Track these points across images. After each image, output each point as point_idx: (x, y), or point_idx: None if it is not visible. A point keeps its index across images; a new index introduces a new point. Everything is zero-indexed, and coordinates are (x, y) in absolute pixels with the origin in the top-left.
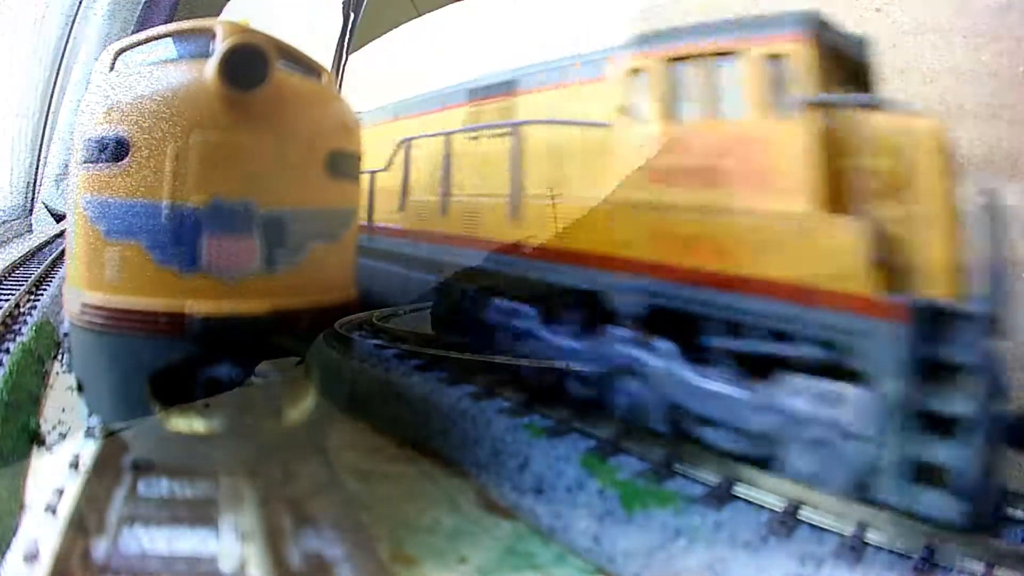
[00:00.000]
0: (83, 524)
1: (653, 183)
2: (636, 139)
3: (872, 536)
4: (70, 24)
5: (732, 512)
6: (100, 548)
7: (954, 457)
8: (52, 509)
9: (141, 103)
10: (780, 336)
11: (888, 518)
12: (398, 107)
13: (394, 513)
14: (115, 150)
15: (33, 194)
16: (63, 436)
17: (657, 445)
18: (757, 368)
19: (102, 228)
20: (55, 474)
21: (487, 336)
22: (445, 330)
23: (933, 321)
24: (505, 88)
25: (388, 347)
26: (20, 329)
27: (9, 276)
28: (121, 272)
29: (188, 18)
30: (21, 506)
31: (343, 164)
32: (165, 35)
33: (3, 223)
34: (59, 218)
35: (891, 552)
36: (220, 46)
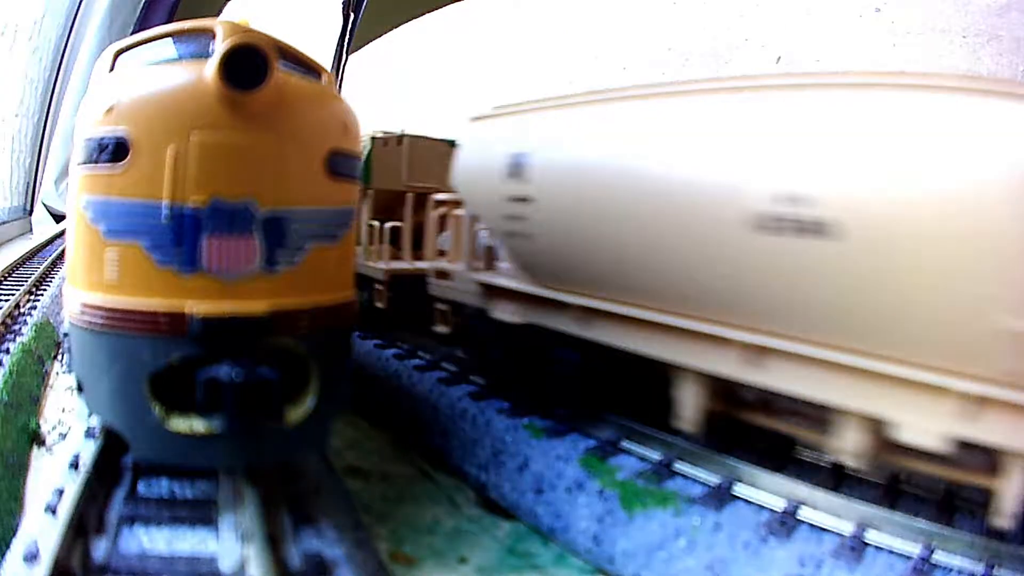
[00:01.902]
0: (83, 524)
1: None
2: None
3: (872, 536)
4: (70, 24)
5: (732, 512)
6: (100, 548)
7: None
8: (52, 509)
9: (141, 103)
10: None
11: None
12: None
13: (394, 513)
14: (115, 150)
15: (33, 194)
16: (63, 436)
17: (657, 445)
18: None
19: (102, 228)
20: (55, 474)
21: None
22: None
23: None
24: None
25: (388, 347)
26: (20, 329)
27: (9, 276)
28: (121, 272)
29: (188, 18)
30: (21, 506)
31: (343, 164)
32: (165, 35)
33: (3, 223)
34: (59, 218)
35: (891, 552)
36: (220, 46)
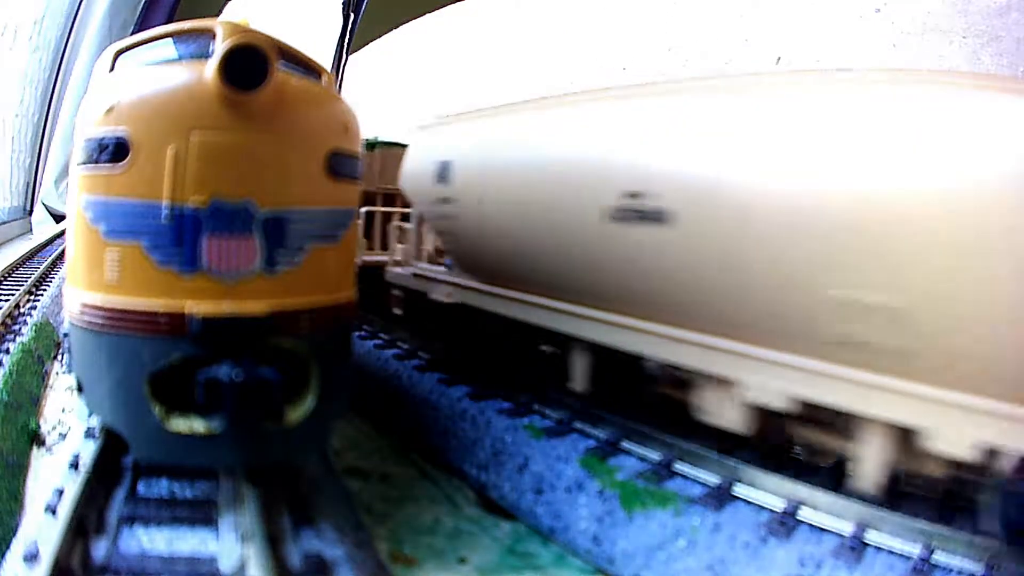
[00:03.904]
0: (83, 524)
1: None
2: None
3: (872, 536)
4: (70, 24)
5: (732, 512)
6: (100, 548)
7: None
8: (52, 509)
9: (141, 103)
10: None
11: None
12: None
13: (394, 513)
14: (115, 151)
15: (33, 194)
16: (63, 436)
17: (657, 445)
18: None
19: (102, 228)
20: (55, 474)
21: None
22: None
23: None
24: None
25: (388, 347)
26: (20, 329)
27: (9, 276)
28: (121, 272)
29: (188, 18)
30: (21, 506)
31: (343, 164)
32: (165, 35)
33: (3, 223)
34: (59, 218)
35: (891, 552)
36: (220, 46)
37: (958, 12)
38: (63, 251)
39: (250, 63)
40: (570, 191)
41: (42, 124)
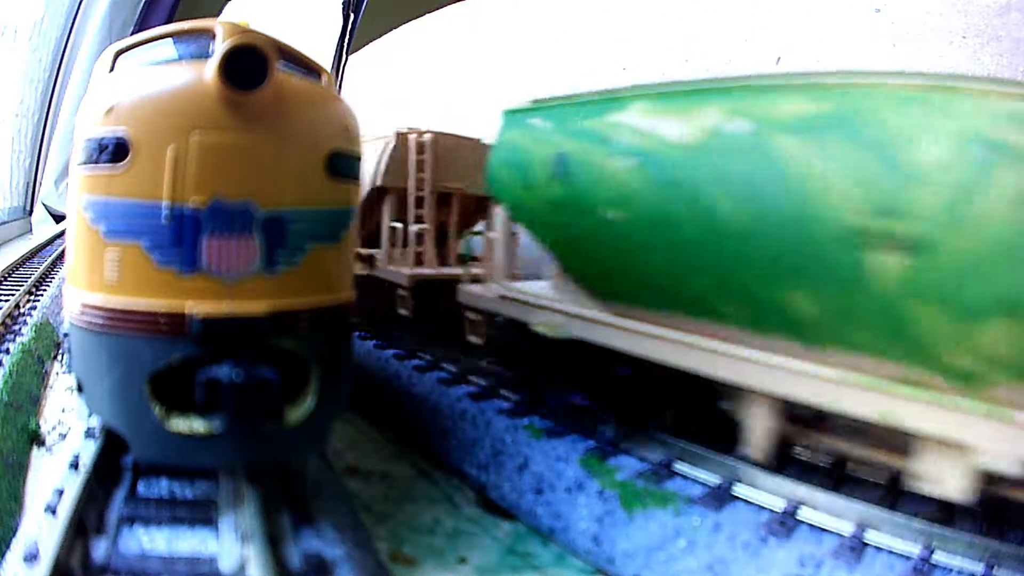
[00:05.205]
0: (83, 524)
1: None
2: None
3: (872, 536)
4: (70, 24)
5: (732, 512)
6: (100, 548)
7: None
8: (52, 509)
9: (141, 104)
10: None
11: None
12: None
13: (394, 513)
14: (115, 151)
15: (33, 195)
16: (63, 436)
17: (656, 446)
18: None
19: (102, 229)
20: (55, 474)
21: None
22: None
23: None
24: None
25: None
26: (20, 329)
27: (9, 276)
28: (121, 273)
29: (188, 18)
30: (21, 506)
31: (343, 165)
32: (165, 36)
33: (3, 224)
34: (59, 218)
35: (891, 552)
36: (220, 47)
37: (958, 12)
38: (63, 251)
39: (250, 63)
40: None
41: (42, 124)
